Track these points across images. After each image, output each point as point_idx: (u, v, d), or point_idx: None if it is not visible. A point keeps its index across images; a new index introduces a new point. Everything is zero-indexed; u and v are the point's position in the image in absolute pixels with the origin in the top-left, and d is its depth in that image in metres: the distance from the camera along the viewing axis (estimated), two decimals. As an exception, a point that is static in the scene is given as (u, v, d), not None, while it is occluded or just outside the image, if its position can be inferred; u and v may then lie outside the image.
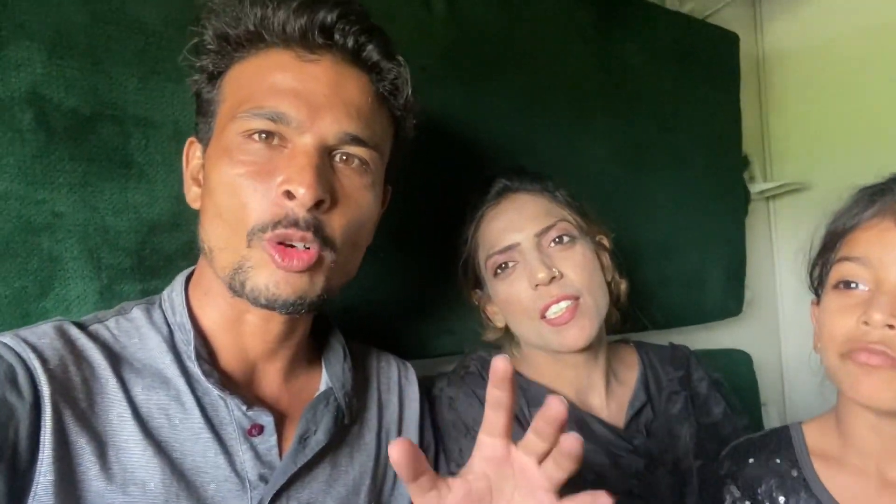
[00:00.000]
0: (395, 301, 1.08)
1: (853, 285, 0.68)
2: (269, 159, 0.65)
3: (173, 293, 0.73)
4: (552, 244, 0.91)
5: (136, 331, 0.70)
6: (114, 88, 0.82)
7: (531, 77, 1.25)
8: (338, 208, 0.67)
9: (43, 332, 0.64)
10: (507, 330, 1.01)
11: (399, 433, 0.87)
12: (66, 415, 0.60)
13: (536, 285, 0.88)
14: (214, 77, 0.71)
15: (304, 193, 0.62)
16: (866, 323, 0.65)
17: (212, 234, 0.68)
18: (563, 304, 0.88)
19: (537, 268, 0.88)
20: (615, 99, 1.37)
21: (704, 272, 1.51)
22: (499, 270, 0.93)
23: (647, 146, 1.42)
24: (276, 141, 0.66)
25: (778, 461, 0.75)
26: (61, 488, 0.57)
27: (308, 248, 0.65)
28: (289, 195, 0.63)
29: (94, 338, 0.67)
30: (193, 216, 0.86)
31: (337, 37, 0.68)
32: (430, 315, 1.11)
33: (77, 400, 0.61)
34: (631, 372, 1.01)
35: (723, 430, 0.96)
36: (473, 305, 1.04)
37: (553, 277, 0.88)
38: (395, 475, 0.83)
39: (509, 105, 1.21)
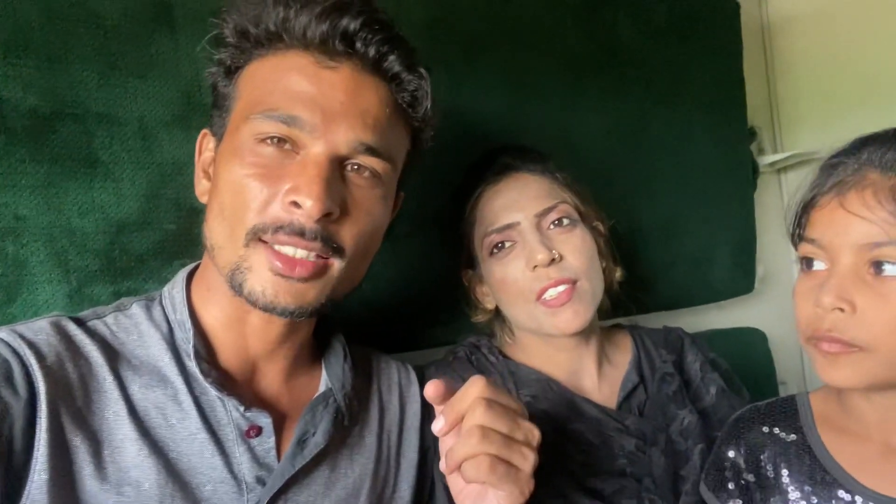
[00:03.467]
0: (384, 292, 1.05)
1: (814, 264, 0.67)
2: (280, 164, 0.64)
3: (174, 290, 0.72)
4: (552, 226, 0.89)
5: (136, 327, 0.69)
6: (73, 86, 0.80)
7: (518, 55, 1.20)
8: (348, 218, 0.67)
9: (39, 328, 0.63)
10: (496, 313, 0.99)
11: (400, 434, 0.85)
12: (62, 413, 0.59)
13: (535, 266, 0.86)
14: (231, 72, 0.70)
15: (312, 205, 0.62)
16: (819, 306, 0.63)
17: (214, 231, 0.67)
18: (561, 288, 0.86)
19: (537, 248, 0.85)
20: (608, 74, 1.32)
21: (712, 250, 1.46)
22: (495, 250, 0.90)
23: (646, 122, 1.37)
24: (287, 146, 0.65)
25: (781, 430, 0.74)
26: (55, 487, 0.57)
27: (315, 258, 0.65)
28: (295, 205, 0.63)
29: (92, 334, 0.66)
30: (164, 214, 0.85)
31: (358, 45, 0.66)
32: (420, 306, 1.08)
33: (73, 398, 0.61)
34: (624, 355, 0.98)
35: (719, 412, 0.93)
36: (463, 285, 1.01)
37: (552, 259, 0.86)
38: (396, 477, 0.82)
39: (496, 85, 1.17)
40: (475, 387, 0.62)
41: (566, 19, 1.27)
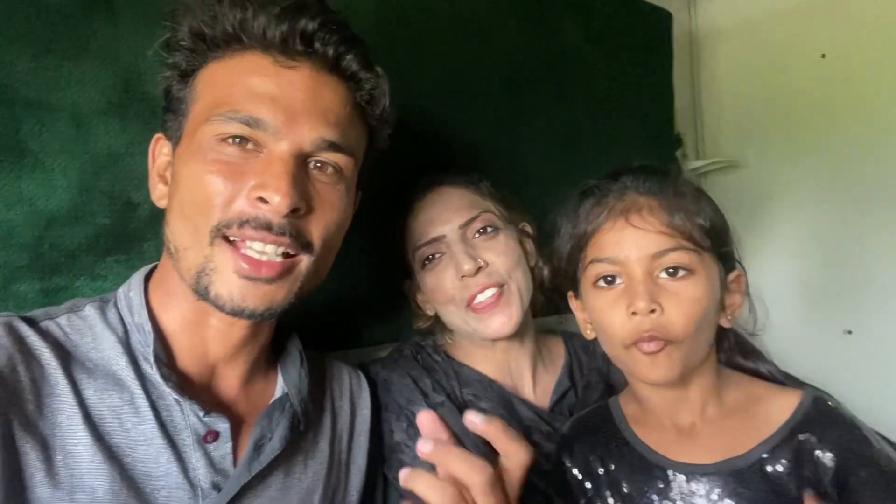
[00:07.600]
0: (329, 290, 1.02)
1: (610, 279, 0.75)
2: (243, 161, 0.64)
3: (131, 292, 0.70)
4: (477, 235, 0.94)
5: (90, 329, 0.67)
6: (2, 69, 0.75)
7: (463, 55, 1.21)
8: (314, 214, 0.67)
9: None
10: (437, 318, 1.02)
11: (350, 440, 0.86)
12: (13, 418, 0.57)
13: (462, 276, 0.90)
14: (187, 75, 0.69)
15: (280, 201, 0.62)
16: (634, 313, 0.71)
17: (177, 233, 0.66)
18: (489, 293, 0.91)
19: (463, 260, 0.90)
20: (550, 78, 1.35)
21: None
22: (426, 262, 0.95)
23: (582, 127, 1.40)
24: (250, 145, 0.65)
25: (601, 433, 0.82)
26: (5, 494, 0.55)
27: (282, 257, 0.65)
28: (262, 201, 0.63)
29: (45, 335, 0.63)
30: (98, 207, 0.82)
31: (317, 45, 0.67)
32: (365, 304, 1.08)
33: (25, 402, 0.59)
34: (558, 360, 1.04)
35: None
36: (405, 295, 1.04)
37: (479, 268, 0.91)
38: (346, 482, 0.83)
39: (442, 85, 1.17)
40: (482, 474, 0.65)
41: (511, 21, 1.28)
